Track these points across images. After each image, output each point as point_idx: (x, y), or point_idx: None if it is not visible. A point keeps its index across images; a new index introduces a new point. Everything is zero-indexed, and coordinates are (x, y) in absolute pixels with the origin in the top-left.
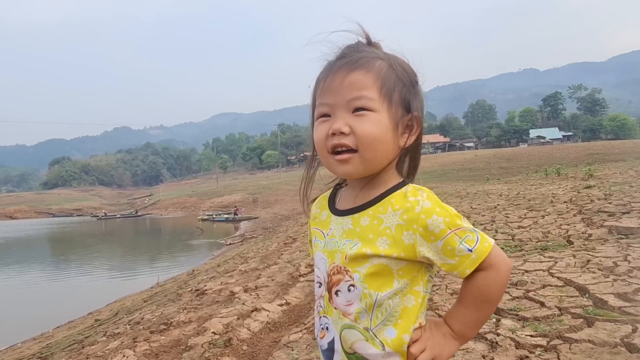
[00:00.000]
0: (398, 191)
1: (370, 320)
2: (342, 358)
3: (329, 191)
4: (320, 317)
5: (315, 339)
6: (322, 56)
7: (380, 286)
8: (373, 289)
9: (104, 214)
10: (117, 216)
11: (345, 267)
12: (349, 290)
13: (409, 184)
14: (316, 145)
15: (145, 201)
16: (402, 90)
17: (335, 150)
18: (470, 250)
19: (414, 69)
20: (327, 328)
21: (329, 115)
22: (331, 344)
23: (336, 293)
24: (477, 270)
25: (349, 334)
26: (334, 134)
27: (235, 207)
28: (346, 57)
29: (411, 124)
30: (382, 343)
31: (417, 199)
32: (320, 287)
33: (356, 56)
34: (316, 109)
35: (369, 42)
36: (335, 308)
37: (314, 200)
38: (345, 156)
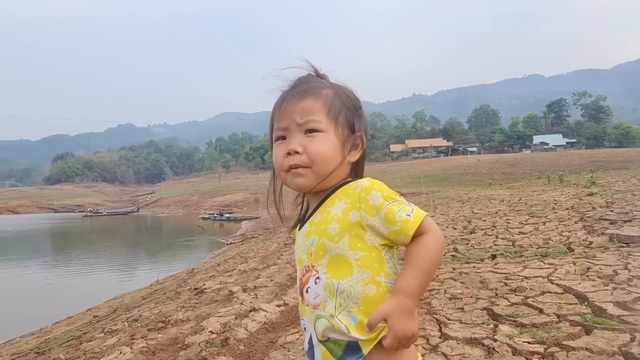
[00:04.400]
0: (343, 187)
1: (335, 307)
2: (320, 347)
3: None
4: (300, 321)
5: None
6: (277, 88)
7: (340, 275)
8: (334, 278)
9: (89, 211)
10: (103, 213)
11: (311, 264)
12: (315, 283)
13: (354, 180)
14: (275, 164)
15: (147, 198)
16: (346, 113)
17: (291, 168)
18: (409, 215)
19: (357, 96)
20: (304, 329)
21: (285, 138)
22: (310, 341)
23: (306, 291)
24: (419, 234)
25: (320, 323)
26: (289, 154)
27: (222, 208)
28: (297, 87)
29: (357, 142)
30: (347, 327)
31: (357, 184)
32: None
33: (306, 86)
34: (274, 133)
35: (318, 75)
36: (307, 305)
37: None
38: (299, 170)
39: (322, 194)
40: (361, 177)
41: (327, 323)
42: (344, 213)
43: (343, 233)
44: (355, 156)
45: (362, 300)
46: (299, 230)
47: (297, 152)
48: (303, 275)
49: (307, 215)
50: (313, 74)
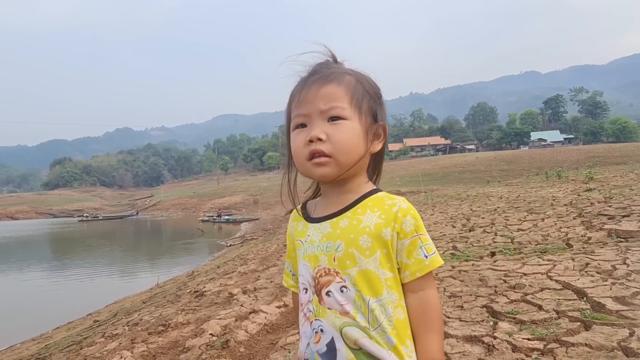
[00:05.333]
0: (373, 196)
1: (368, 322)
2: (347, 355)
3: (299, 206)
4: (312, 321)
5: (304, 349)
6: (295, 73)
7: (371, 291)
8: (365, 293)
9: (85, 216)
10: (99, 218)
11: (335, 269)
12: (342, 291)
13: (382, 190)
14: (294, 153)
15: (146, 202)
16: (369, 101)
17: (313, 156)
18: (426, 257)
19: (377, 84)
20: (321, 330)
21: (305, 125)
22: (331, 344)
23: (327, 294)
24: (422, 288)
25: (351, 331)
26: (311, 141)
27: (219, 210)
28: (318, 73)
29: (379, 132)
30: (386, 347)
31: (395, 201)
32: (306, 292)
33: (327, 72)
34: (292, 120)
35: (335, 61)
36: (329, 308)
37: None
38: (322, 159)
39: (342, 183)
40: (380, 169)
41: (362, 333)
42: (377, 228)
43: (375, 249)
44: (378, 146)
45: (395, 323)
46: (310, 222)
47: (320, 140)
48: (320, 276)
49: (317, 208)
50: (331, 60)
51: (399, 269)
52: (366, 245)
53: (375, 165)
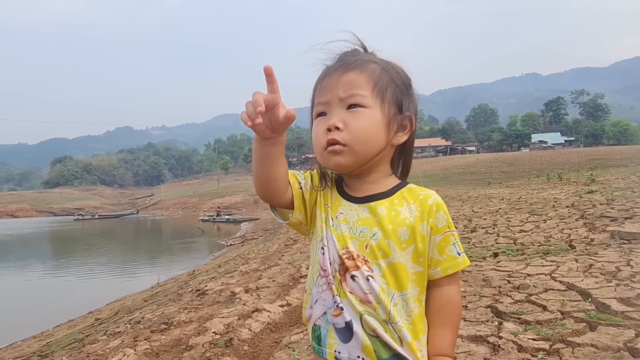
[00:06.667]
0: (406, 187)
1: (388, 315)
2: (364, 339)
3: (334, 174)
4: (334, 294)
5: (319, 315)
6: (320, 61)
7: (398, 285)
8: (391, 286)
9: (81, 215)
10: (95, 217)
11: (364, 257)
12: (367, 280)
13: (410, 182)
14: (314, 142)
15: (147, 201)
16: (394, 90)
17: (329, 144)
18: (459, 254)
19: (408, 74)
20: (341, 308)
21: (326, 114)
22: (349, 324)
23: (352, 278)
24: (449, 283)
25: (370, 320)
26: (329, 130)
27: (218, 208)
28: (342, 60)
29: (405, 123)
30: (400, 339)
31: (428, 193)
32: (330, 265)
33: (351, 59)
34: (314, 108)
35: (365, 50)
36: (350, 292)
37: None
38: (337, 147)
39: (362, 175)
40: (407, 164)
41: (380, 325)
42: (417, 221)
43: (411, 242)
44: (401, 138)
45: (413, 317)
46: (345, 198)
47: (337, 128)
48: (347, 259)
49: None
50: (360, 49)
51: (427, 264)
52: (404, 238)
53: (401, 158)
